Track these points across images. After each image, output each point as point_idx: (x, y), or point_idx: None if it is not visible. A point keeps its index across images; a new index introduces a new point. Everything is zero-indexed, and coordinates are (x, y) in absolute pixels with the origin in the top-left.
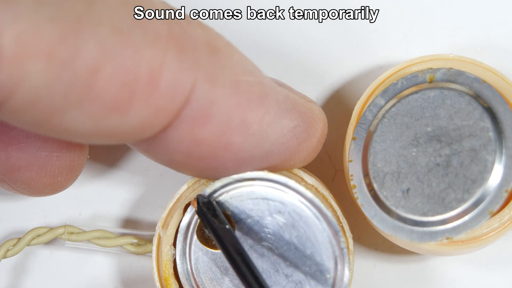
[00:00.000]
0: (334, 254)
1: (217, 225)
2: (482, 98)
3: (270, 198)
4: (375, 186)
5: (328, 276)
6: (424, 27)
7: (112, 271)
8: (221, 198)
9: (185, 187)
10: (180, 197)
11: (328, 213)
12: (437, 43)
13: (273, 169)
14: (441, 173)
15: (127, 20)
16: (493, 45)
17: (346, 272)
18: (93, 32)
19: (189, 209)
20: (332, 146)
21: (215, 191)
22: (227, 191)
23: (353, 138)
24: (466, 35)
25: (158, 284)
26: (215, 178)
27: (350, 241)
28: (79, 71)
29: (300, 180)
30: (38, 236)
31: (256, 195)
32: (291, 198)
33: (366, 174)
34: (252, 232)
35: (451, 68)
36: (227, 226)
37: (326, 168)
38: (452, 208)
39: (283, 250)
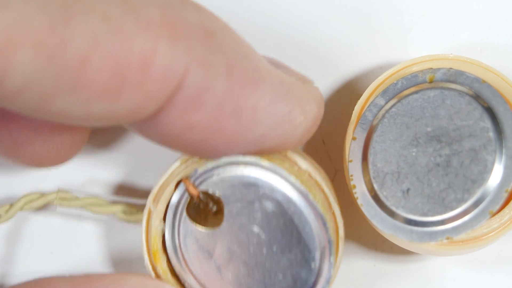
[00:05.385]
0: (321, 245)
1: None
2: (482, 98)
3: (260, 184)
4: (375, 186)
5: (313, 265)
6: (424, 27)
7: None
8: (212, 180)
9: (178, 163)
10: (172, 173)
11: (317, 205)
12: (437, 43)
13: (266, 151)
14: (441, 173)
15: (119, 7)
16: (493, 45)
17: (331, 265)
18: (83, 21)
19: (180, 186)
20: (332, 146)
21: (206, 171)
22: (218, 173)
23: (353, 138)
24: (466, 35)
25: (146, 256)
26: (207, 157)
27: (341, 226)
28: (69, 60)
29: (293, 165)
30: (31, 201)
31: (247, 179)
32: (282, 185)
33: (366, 174)
34: (242, 215)
35: (451, 68)
36: None
37: (326, 168)
38: (452, 208)
39: (270, 236)
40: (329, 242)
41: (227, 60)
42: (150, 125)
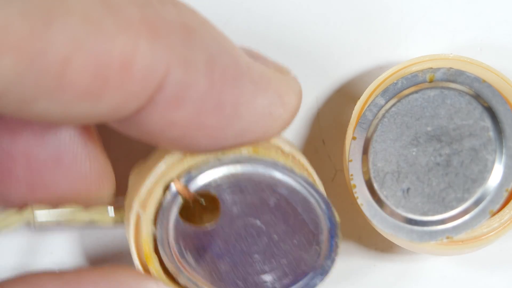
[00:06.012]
0: (323, 226)
1: None
2: (482, 97)
3: (249, 177)
4: (375, 186)
5: (316, 247)
6: (424, 27)
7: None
8: (202, 178)
9: (163, 166)
10: (159, 176)
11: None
12: (437, 43)
13: (247, 143)
14: (441, 172)
15: (99, 7)
16: (493, 45)
17: (335, 245)
18: (63, 23)
19: (170, 188)
20: (332, 146)
21: (195, 172)
22: (207, 172)
23: (353, 138)
24: (466, 35)
25: (137, 262)
26: (189, 151)
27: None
28: (50, 63)
29: (278, 150)
30: (6, 219)
31: (235, 175)
32: (272, 173)
33: (366, 174)
34: (237, 209)
35: (451, 68)
36: None
37: (326, 168)
38: (452, 208)
39: (269, 225)
40: (331, 223)
41: (208, 57)
42: (131, 122)
